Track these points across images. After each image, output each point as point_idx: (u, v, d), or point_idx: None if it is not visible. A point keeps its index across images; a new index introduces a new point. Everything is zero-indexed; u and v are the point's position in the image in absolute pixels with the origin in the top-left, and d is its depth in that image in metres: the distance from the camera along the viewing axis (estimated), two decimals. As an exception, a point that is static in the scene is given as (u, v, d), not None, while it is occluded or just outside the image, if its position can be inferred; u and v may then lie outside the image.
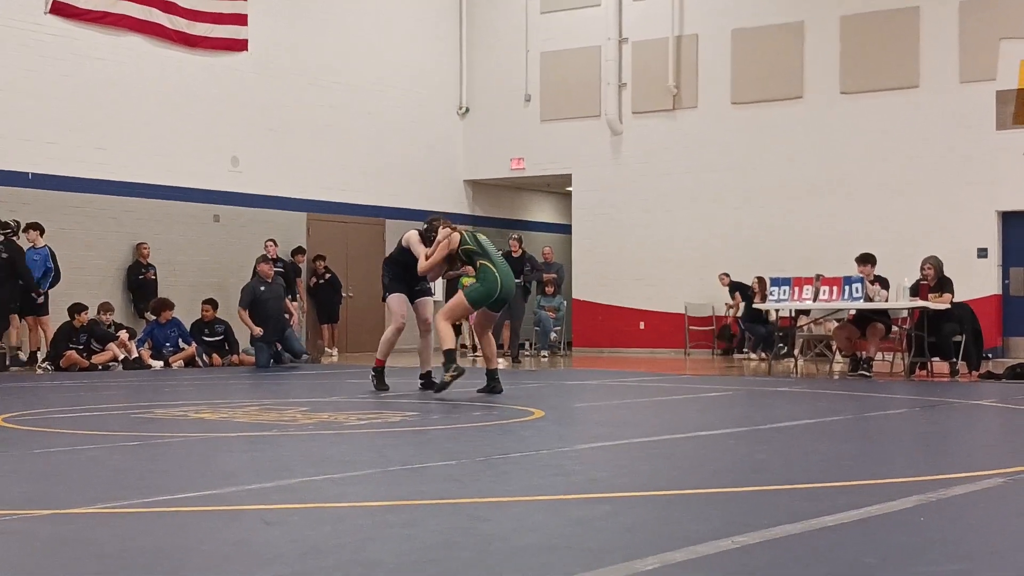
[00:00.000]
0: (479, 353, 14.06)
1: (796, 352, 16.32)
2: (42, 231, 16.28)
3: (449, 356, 10.10)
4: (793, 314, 15.51)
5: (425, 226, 10.81)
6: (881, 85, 20.32)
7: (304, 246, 20.58)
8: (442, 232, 10.52)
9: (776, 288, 14.57)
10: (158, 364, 16.20)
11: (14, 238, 16.02)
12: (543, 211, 26.80)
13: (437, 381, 10.46)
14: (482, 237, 10.69)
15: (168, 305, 16.89)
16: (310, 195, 21.09)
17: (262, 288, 16.78)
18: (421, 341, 11.31)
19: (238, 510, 4.69)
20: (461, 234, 10.46)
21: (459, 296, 10.49)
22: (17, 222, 16.11)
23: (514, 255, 18.63)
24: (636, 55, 22.55)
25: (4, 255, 15.84)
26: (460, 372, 10.07)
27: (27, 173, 17.10)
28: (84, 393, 11.77)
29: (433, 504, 4.79)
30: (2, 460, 6.25)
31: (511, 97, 23.77)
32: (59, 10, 17.46)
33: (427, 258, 10.55)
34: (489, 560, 3.72)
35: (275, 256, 18.98)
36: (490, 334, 11.03)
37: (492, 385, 10.61)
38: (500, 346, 18.55)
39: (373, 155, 21.96)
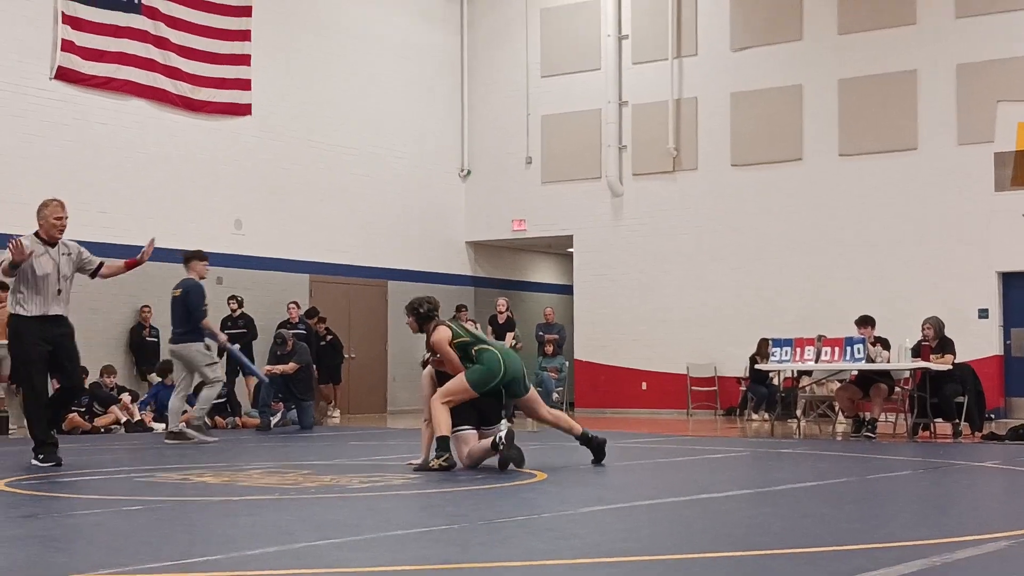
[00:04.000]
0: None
1: (799, 413, 16.29)
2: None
3: (442, 443, 9.28)
4: (795, 375, 15.49)
5: (424, 308, 9.81)
6: (880, 147, 20.47)
7: (313, 307, 20.56)
8: (437, 334, 9.69)
9: (778, 349, 14.58)
10: (160, 427, 16.16)
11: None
12: (544, 272, 26.88)
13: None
14: (467, 326, 10.29)
15: (172, 367, 16.87)
16: (312, 257, 21.16)
17: (279, 354, 16.85)
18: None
19: (239, 575, 4.68)
20: (449, 327, 9.73)
21: (459, 378, 9.52)
22: None
23: (499, 319, 18.73)
24: (636, 118, 22.73)
25: None
26: (451, 465, 9.24)
27: (31, 237, 17.15)
28: (86, 456, 11.73)
29: (436, 569, 4.77)
30: (5, 525, 6.23)
31: (512, 159, 23.94)
32: (64, 75, 17.64)
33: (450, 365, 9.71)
34: (492, 626, 3.71)
35: (296, 319, 18.89)
36: (547, 411, 10.38)
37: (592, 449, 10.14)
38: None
39: (375, 217, 22.06)
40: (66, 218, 9.79)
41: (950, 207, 19.86)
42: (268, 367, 16.96)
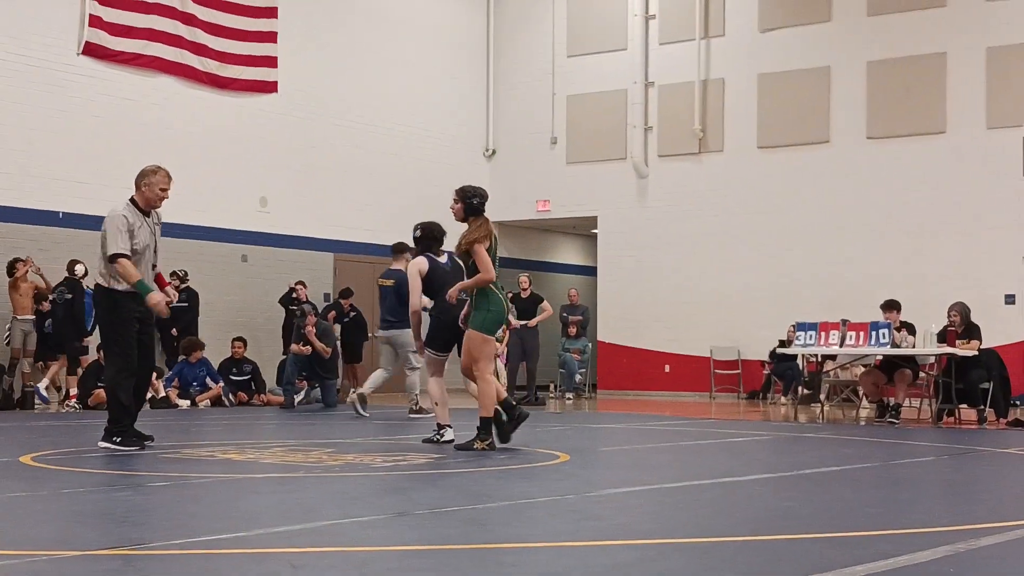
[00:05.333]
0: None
1: (822, 397, 16.23)
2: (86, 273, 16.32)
3: (485, 425, 9.04)
4: (820, 359, 15.45)
5: (476, 200, 9.38)
6: (908, 130, 20.33)
7: (348, 288, 20.45)
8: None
9: (802, 333, 14.52)
10: (185, 403, 16.26)
11: (82, 279, 16.14)
12: (568, 253, 26.85)
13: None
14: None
15: (199, 345, 16.95)
16: (337, 235, 21.19)
17: (302, 332, 16.91)
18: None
19: (265, 553, 4.69)
20: (493, 236, 9.21)
21: (475, 336, 9.02)
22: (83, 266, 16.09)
23: (523, 295, 18.66)
24: (662, 98, 22.64)
25: (68, 295, 16.13)
26: (493, 447, 9.07)
27: (58, 212, 17.27)
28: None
29: (458, 549, 4.78)
30: (30, 500, 6.28)
31: (537, 139, 23.89)
32: (91, 51, 17.68)
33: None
34: (517, 607, 3.71)
35: (305, 299, 18.87)
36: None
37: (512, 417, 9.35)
38: (520, 387, 18.53)
39: (399, 196, 22.05)
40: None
41: (978, 191, 19.72)
42: (294, 346, 17.00)
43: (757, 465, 9.19)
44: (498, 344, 14.22)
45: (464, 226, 9.35)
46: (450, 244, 9.89)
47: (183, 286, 17.53)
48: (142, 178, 9.15)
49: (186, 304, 17.42)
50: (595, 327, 22.70)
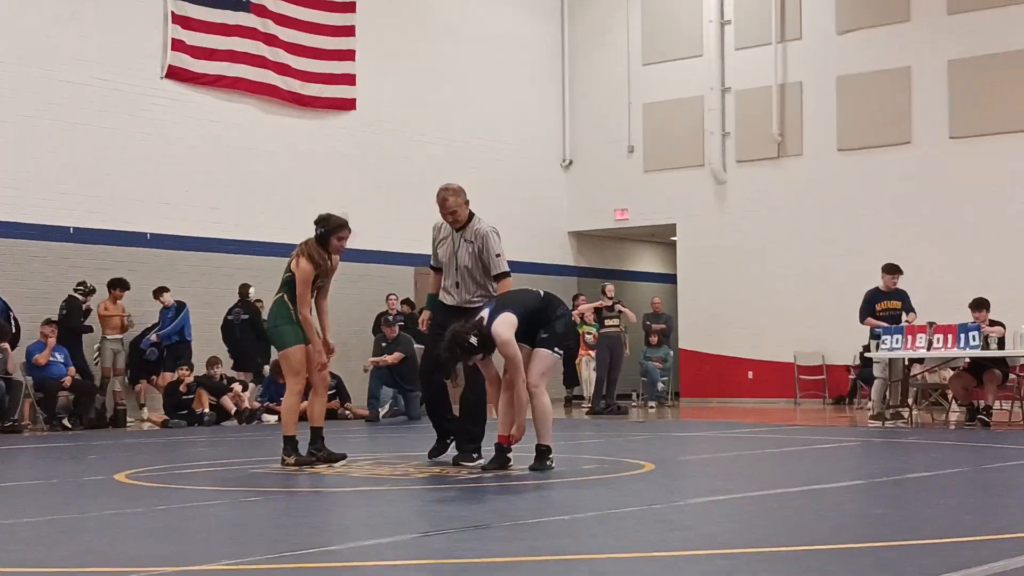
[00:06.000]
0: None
1: (911, 402, 16.00)
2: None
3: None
4: (907, 363, 15.23)
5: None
6: (992, 129, 19.97)
7: (412, 299, 20.75)
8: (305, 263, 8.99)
9: (888, 336, 14.34)
10: (272, 419, 16.45)
11: (257, 303, 17.35)
12: (648, 261, 26.76)
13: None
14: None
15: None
16: (417, 249, 21.31)
17: (383, 344, 17.07)
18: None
19: (356, 567, 4.76)
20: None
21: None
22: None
23: (606, 304, 18.53)
24: (739, 104, 22.50)
25: (244, 316, 17.48)
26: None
27: (146, 233, 17.61)
28: (201, 448, 12.02)
29: (548, 560, 4.80)
30: (126, 517, 6.41)
31: (614, 148, 23.85)
32: (175, 75, 18.02)
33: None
34: (607, 618, 3.72)
35: (394, 311, 19.00)
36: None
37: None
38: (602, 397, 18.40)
39: (478, 208, 21.99)
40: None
41: (1066, 189, 19.31)
42: (372, 358, 17.17)
43: (845, 472, 9.09)
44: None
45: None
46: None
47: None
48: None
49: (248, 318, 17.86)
50: (677, 335, 22.59)
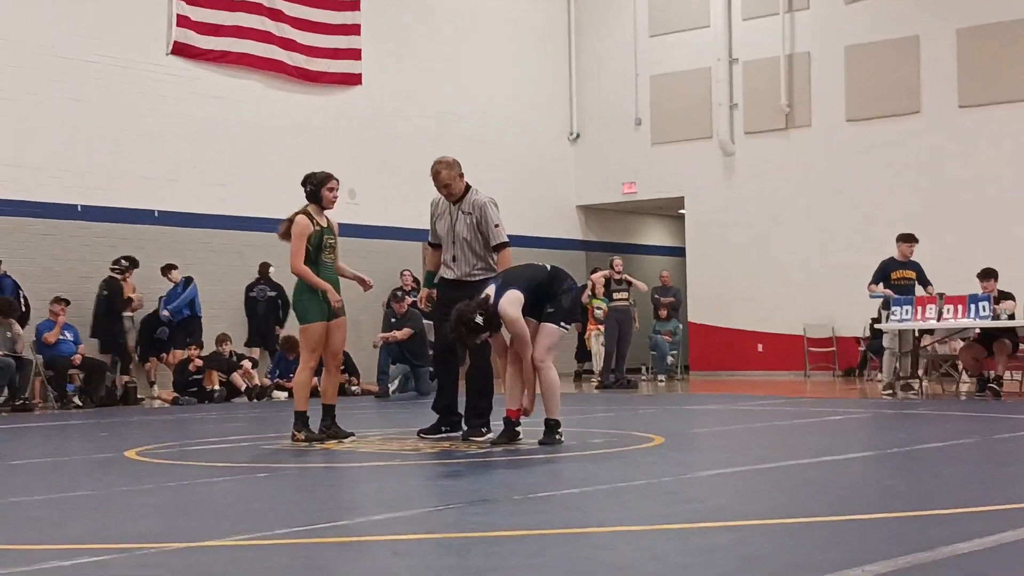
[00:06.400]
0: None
1: (920, 373, 15.96)
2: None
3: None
4: (917, 334, 15.20)
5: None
6: (1001, 98, 19.85)
7: (419, 276, 20.69)
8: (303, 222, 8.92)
9: (898, 308, 14.30)
10: (283, 396, 16.47)
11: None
12: (656, 234, 26.70)
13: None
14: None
15: (297, 345, 17.18)
16: (424, 224, 21.23)
17: (393, 320, 17.06)
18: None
19: (367, 541, 4.76)
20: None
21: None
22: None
23: (615, 278, 18.47)
24: (747, 75, 22.39)
25: (271, 292, 17.99)
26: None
27: (153, 211, 17.61)
28: (212, 425, 12.06)
29: (558, 534, 4.80)
30: (137, 494, 6.43)
31: (621, 121, 23.77)
32: (180, 51, 17.98)
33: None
34: (617, 591, 3.72)
35: (411, 287, 18.96)
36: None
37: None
38: (611, 371, 18.41)
39: (485, 183, 21.80)
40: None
41: (1076, 158, 19.21)
42: (382, 334, 17.18)
43: (855, 443, 9.09)
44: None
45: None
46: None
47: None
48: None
49: (275, 295, 17.99)
50: (685, 308, 22.57)
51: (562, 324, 8.39)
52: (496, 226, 8.94)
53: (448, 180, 9.09)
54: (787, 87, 21.87)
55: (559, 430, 8.45)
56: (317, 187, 9.17)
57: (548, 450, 8.07)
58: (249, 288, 18.19)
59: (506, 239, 8.94)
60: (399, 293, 17.77)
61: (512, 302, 8.11)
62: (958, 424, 10.45)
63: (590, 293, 18.70)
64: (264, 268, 18.00)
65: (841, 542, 4.52)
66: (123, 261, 16.39)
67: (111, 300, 16.17)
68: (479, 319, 8.01)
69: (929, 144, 20.47)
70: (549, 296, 8.36)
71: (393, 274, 19.61)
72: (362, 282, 9.38)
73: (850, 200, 21.18)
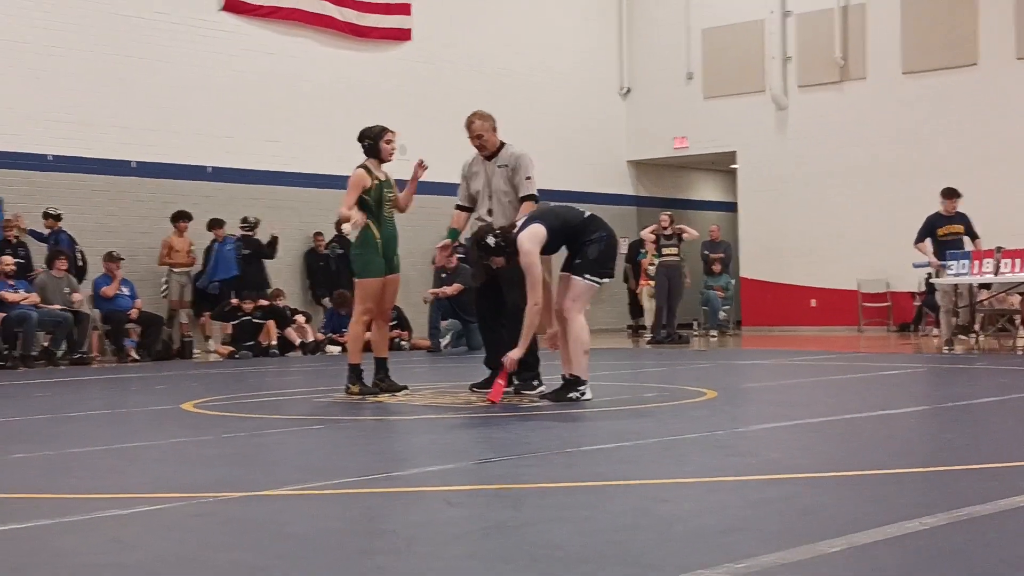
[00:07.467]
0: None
1: (977, 328, 15.79)
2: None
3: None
4: (975, 288, 15.02)
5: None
6: (1062, 48, 19.47)
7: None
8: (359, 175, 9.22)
9: (955, 262, 14.13)
10: (335, 350, 16.59)
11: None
12: (707, 190, 26.52)
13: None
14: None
15: (350, 301, 17.27)
16: (475, 180, 21.29)
17: (443, 276, 17.10)
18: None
19: (421, 491, 4.79)
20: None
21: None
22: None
23: (664, 233, 18.35)
24: (800, 27, 22.10)
25: (340, 251, 17.59)
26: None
27: (207, 167, 17.72)
28: (267, 379, 12.17)
29: (612, 486, 4.80)
30: (193, 445, 6.51)
31: (673, 75, 23.56)
32: (232, 7, 18.01)
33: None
34: (670, 542, 3.72)
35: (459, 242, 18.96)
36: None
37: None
38: (663, 326, 18.36)
39: (536, 139, 21.96)
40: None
41: None
42: (432, 290, 17.23)
43: (910, 398, 9.01)
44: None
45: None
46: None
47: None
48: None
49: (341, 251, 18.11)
50: (737, 263, 22.44)
51: (587, 277, 8.01)
52: (528, 178, 8.90)
53: (481, 131, 9.07)
54: (841, 39, 21.56)
55: (579, 387, 8.04)
56: (375, 140, 9.26)
57: (599, 403, 8.03)
58: (325, 245, 18.50)
59: (534, 192, 8.86)
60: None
61: (531, 236, 7.89)
62: (1015, 379, 10.33)
63: (644, 251, 18.62)
64: (338, 225, 18.03)
65: (898, 495, 4.50)
66: (249, 218, 17.16)
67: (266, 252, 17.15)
68: (490, 239, 7.96)
69: (986, 96, 20.13)
70: (578, 243, 8.09)
71: (442, 230, 19.52)
72: (419, 167, 9.56)
73: (905, 154, 20.90)
